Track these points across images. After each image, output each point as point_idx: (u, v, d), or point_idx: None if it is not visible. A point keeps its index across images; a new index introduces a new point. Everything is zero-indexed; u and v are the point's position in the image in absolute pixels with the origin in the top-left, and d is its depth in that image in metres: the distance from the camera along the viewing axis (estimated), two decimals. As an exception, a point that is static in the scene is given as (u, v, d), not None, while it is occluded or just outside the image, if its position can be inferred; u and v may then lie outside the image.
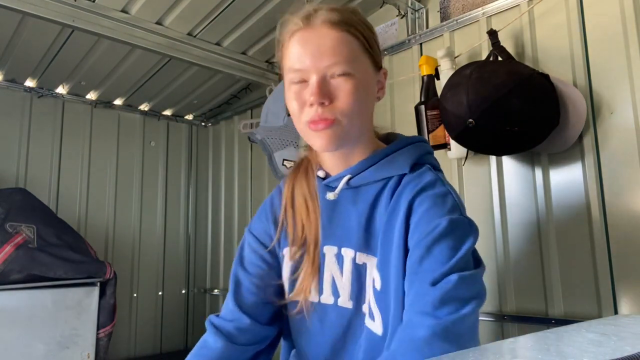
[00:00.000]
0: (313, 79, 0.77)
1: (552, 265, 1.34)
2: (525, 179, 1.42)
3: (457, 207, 0.77)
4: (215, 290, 2.60)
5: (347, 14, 0.81)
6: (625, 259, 1.21)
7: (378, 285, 0.79)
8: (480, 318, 1.49)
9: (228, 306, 0.98)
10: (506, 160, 1.47)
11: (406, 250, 0.77)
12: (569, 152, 1.33)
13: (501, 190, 1.47)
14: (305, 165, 0.94)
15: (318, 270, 0.88)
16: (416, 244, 0.75)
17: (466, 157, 1.47)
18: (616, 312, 1.21)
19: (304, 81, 0.79)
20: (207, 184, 2.77)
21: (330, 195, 0.85)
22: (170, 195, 2.72)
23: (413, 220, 0.77)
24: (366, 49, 0.82)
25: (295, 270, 0.91)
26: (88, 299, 1.83)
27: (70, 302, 1.78)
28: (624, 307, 1.20)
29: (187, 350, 0.96)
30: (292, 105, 0.81)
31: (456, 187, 1.57)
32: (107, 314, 1.88)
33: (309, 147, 0.92)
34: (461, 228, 0.75)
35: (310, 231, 0.89)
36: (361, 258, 0.84)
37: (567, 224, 1.33)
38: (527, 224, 1.41)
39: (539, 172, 1.39)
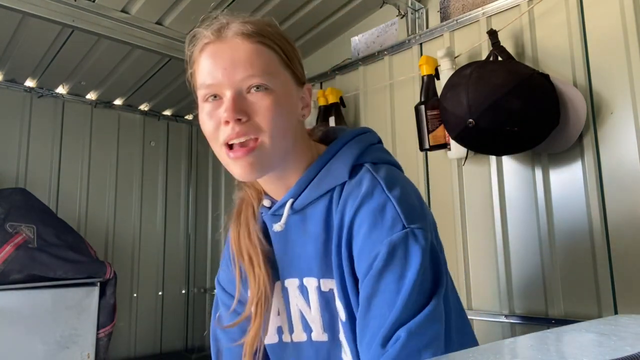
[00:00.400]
0: (227, 94, 0.70)
1: (552, 265, 1.34)
2: (525, 179, 1.42)
3: (398, 218, 0.69)
4: (215, 290, 2.60)
5: (262, 25, 0.74)
6: (625, 259, 1.21)
7: (343, 317, 0.74)
8: (480, 318, 1.50)
9: None
10: (506, 160, 1.47)
11: (356, 280, 0.72)
12: (569, 152, 1.33)
13: (501, 190, 1.47)
14: (244, 210, 0.85)
15: (278, 304, 0.84)
16: (362, 279, 0.70)
17: (466, 157, 1.47)
18: (616, 312, 1.21)
19: (217, 98, 0.72)
20: (207, 184, 2.77)
21: (277, 227, 0.79)
22: (170, 195, 2.72)
23: (355, 247, 0.71)
24: (285, 62, 0.75)
25: (248, 321, 0.84)
26: (88, 299, 1.83)
27: (70, 302, 1.78)
28: (624, 307, 1.20)
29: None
30: (207, 126, 0.73)
31: (456, 187, 1.57)
32: (107, 314, 1.88)
33: (243, 186, 0.86)
34: (402, 247, 0.67)
35: (255, 281, 0.82)
36: (326, 284, 0.77)
37: (567, 224, 1.33)
38: (527, 223, 1.41)
39: (539, 172, 1.39)
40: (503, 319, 1.42)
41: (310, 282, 0.79)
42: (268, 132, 0.71)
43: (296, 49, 0.79)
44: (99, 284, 1.86)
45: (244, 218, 0.84)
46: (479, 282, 1.50)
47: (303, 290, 0.80)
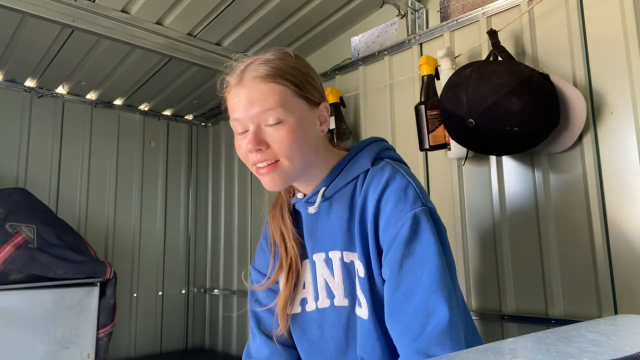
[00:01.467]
0: (250, 128, 0.86)
1: (552, 266, 1.34)
2: (525, 179, 1.42)
3: (418, 197, 0.85)
4: (215, 290, 2.60)
5: (276, 63, 0.88)
6: (625, 259, 1.21)
7: (362, 274, 0.87)
8: (480, 318, 1.50)
9: (255, 342, 1.06)
10: (506, 160, 1.47)
11: (379, 247, 0.86)
12: (569, 152, 1.33)
13: (501, 190, 1.47)
14: (279, 203, 1.03)
15: (304, 279, 0.99)
16: (389, 243, 0.83)
17: (466, 157, 1.46)
18: (616, 312, 1.21)
19: (245, 131, 0.87)
20: (207, 184, 2.77)
21: (311, 209, 0.95)
22: (170, 195, 2.72)
23: (382, 219, 0.85)
24: (298, 92, 0.88)
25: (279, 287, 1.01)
26: (88, 299, 1.82)
27: (70, 302, 1.78)
28: (624, 307, 1.20)
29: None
30: (240, 151, 0.90)
31: (456, 187, 1.58)
32: (107, 314, 1.88)
33: None
34: (425, 219, 0.82)
35: (287, 259, 0.99)
36: (348, 257, 0.91)
37: (567, 224, 1.33)
38: (528, 223, 1.41)
39: (539, 172, 1.39)
40: (503, 319, 1.42)
41: (335, 255, 0.93)
42: (285, 156, 0.86)
43: (310, 75, 0.92)
44: (99, 284, 1.86)
45: (279, 207, 1.02)
46: (479, 282, 1.50)
47: (328, 262, 0.94)
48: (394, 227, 0.83)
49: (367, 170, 0.91)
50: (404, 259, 0.80)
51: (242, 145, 0.88)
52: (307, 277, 0.99)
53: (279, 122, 0.85)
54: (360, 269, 0.88)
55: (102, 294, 1.87)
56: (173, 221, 2.71)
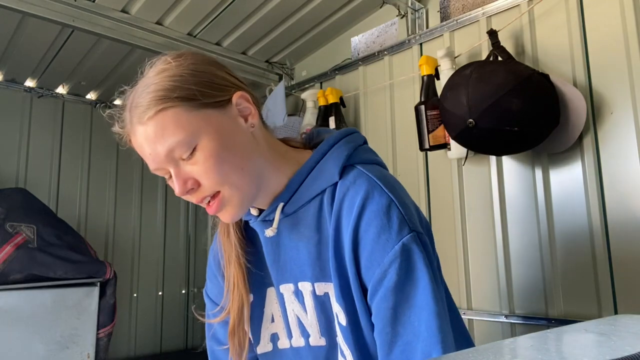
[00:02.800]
0: (172, 171, 0.71)
1: (552, 265, 1.34)
2: (525, 179, 1.42)
3: (404, 220, 0.69)
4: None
5: (155, 85, 0.70)
6: (625, 259, 1.21)
7: (343, 321, 0.73)
8: (480, 318, 1.50)
9: None
10: (506, 160, 1.47)
11: (362, 285, 0.71)
12: (569, 152, 1.33)
13: (501, 190, 1.47)
14: (224, 225, 0.84)
15: (272, 310, 0.83)
16: (375, 285, 0.69)
17: (466, 157, 1.46)
18: (616, 312, 1.21)
19: (169, 174, 0.72)
20: (207, 184, 2.77)
21: (269, 232, 0.77)
22: (170, 195, 2.71)
23: (364, 251, 0.70)
24: (194, 105, 0.69)
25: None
26: (88, 299, 1.82)
27: (70, 302, 1.78)
28: (624, 307, 1.20)
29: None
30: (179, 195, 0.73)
31: (456, 187, 1.57)
32: (107, 314, 1.88)
33: None
34: (416, 253, 0.68)
35: (232, 287, 0.82)
36: (321, 288, 0.76)
37: (567, 224, 1.33)
38: (527, 224, 1.40)
39: (539, 172, 1.39)
40: (503, 319, 1.42)
41: (305, 287, 0.78)
42: (221, 185, 0.70)
43: (203, 73, 0.72)
44: (99, 284, 1.86)
45: (226, 232, 0.84)
46: (479, 282, 1.50)
47: (298, 295, 0.79)
48: (379, 264, 0.67)
49: (336, 183, 0.74)
50: (398, 307, 0.66)
51: (175, 189, 0.72)
52: (275, 308, 0.83)
53: (193, 152, 0.68)
54: (340, 315, 0.73)
55: (102, 294, 1.87)
56: (173, 221, 2.71)
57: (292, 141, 0.85)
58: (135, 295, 2.48)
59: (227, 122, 0.71)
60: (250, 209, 0.80)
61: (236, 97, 0.73)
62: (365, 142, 0.83)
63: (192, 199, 0.72)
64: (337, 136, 0.79)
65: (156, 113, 0.68)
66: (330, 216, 0.74)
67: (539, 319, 1.34)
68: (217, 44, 2.00)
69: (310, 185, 0.76)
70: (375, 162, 0.80)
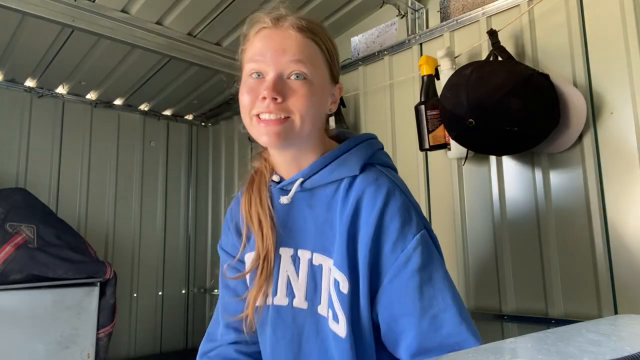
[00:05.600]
0: (270, 75, 0.80)
1: (552, 265, 1.34)
2: (525, 179, 1.42)
3: (419, 218, 0.82)
4: (215, 290, 2.60)
5: (315, 25, 0.85)
6: (625, 259, 1.21)
7: (345, 289, 0.80)
8: (480, 318, 1.49)
9: (219, 328, 1.03)
10: (506, 160, 1.47)
11: (376, 265, 0.80)
12: (569, 152, 1.33)
13: (501, 190, 1.47)
14: (257, 179, 0.94)
15: (270, 276, 0.90)
16: (398, 270, 0.78)
17: (466, 157, 1.46)
18: (616, 312, 1.21)
19: (261, 76, 0.81)
20: (207, 184, 2.77)
21: (284, 200, 0.88)
22: (170, 195, 2.72)
23: (387, 240, 0.79)
24: (327, 60, 0.85)
25: (253, 277, 0.92)
26: (88, 299, 1.82)
27: (70, 302, 1.78)
28: (624, 307, 1.20)
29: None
30: (244, 98, 0.83)
31: (456, 187, 1.58)
32: (107, 314, 1.88)
33: (260, 157, 0.96)
34: (429, 244, 0.80)
35: (263, 246, 0.90)
36: (317, 259, 0.85)
37: (567, 224, 1.33)
38: (527, 224, 1.41)
39: (539, 172, 1.39)
40: (503, 319, 1.42)
41: (304, 254, 0.87)
42: (298, 115, 0.80)
43: (337, 54, 0.90)
44: (99, 284, 1.86)
45: (257, 186, 0.93)
46: (479, 281, 1.50)
47: (295, 259, 0.88)
48: (402, 250, 0.78)
49: (355, 177, 0.84)
50: (423, 285, 0.76)
51: (254, 91, 0.81)
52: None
53: (304, 78, 0.80)
54: (343, 284, 0.81)
55: (102, 294, 1.87)
56: (173, 221, 2.71)
57: (329, 131, 0.96)
58: (135, 295, 2.48)
59: (328, 90, 0.87)
60: (274, 176, 0.92)
61: (339, 86, 0.91)
62: (382, 148, 0.95)
63: (264, 106, 0.79)
64: (361, 137, 0.92)
65: (309, 37, 0.82)
66: (345, 202, 0.83)
67: (539, 319, 1.34)
68: (217, 44, 2.00)
69: (332, 172, 0.86)
70: (390, 166, 0.91)
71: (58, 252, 1.80)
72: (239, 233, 0.96)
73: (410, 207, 0.82)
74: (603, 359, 0.38)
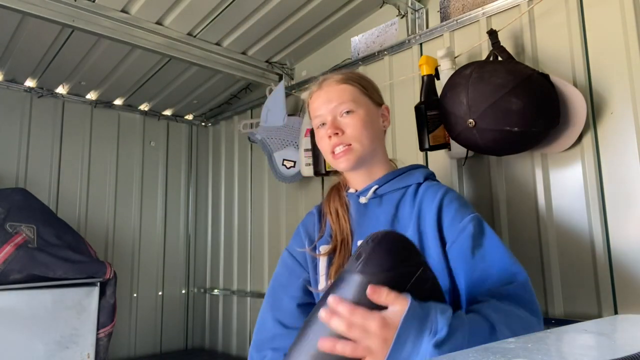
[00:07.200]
0: (328, 119, 1.08)
1: (552, 265, 1.34)
2: (525, 179, 1.42)
3: (471, 206, 1.04)
4: (215, 290, 2.60)
5: (348, 74, 1.13)
6: (625, 259, 1.21)
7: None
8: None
9: (268, 325, 1.14)
10: (506, 160, 1.47)
11: (442, 239, 0.99)
12: (569, 152, 1.33)
13: (501, 190, 1.47)
14: (337, 187, 1.20)
15: (347, 257, 1.06)
16: (456, 237, 0.97)
17: (466, 157, 1.46)
18: (616, 312, 1.21)
19: (324, 125, 1.09)
20: (207, 184, 2.77)
21: (363, 199, 1.11)
22: (170, 195, 2.72)
23: (447, 216, 1.00)
24: (364, 92, 1.11)
25: (329, 264, 1.09)
26: (88, 299, 1.83)
27: (70, 302, 1.78)
28: (624, 307, 1.20)
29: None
30: (322, 144, 1.11)
31: (456, 187, 1.58)
32: (107, 314, 1.88)
33: (339, 174, 1.21)
34: (482, 222, 1.00)
35: (341, 232, 1.11)
36: None
37: (567, 224, 1.33)
38: (527, 223, 1.40)
39: (539, 172, 1.39)
40: (503, 319, 1.42)
41: None
42: (357, 140, 1.07)
43: (373, 83, 1.17)
44: (99, 284, 1.86)
45: (336, 191, 1.18)
46: (479, 282, 1.50)
47: None
48: (460, 222, 0.97)
49: (419, 184, 1.08)
50: (475, 249, 0.93)
51: (323, 134, 1.08)
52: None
53: (351, 112, 1.07)
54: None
55: (102, 294, 1.87)
56: (173, 221, 2.72)
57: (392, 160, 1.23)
58: (135, 295, 2.49)
59: (374, 113, 1.13)
60: (351, 189, 1.15)
61: (384, 107, 1.17)
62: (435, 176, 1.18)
63: (332, 141, 1.07)
64: (418, 165, 1.19)
65: (343, 83, 1.11)
66: (413, 202, 1.06)
67: (539, 319, 1.34)
68: (217, 44, 2.00)
69: (400, 181, 1.11)
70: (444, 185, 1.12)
71: (58, 252, 1.80)
72: (309, 238, 1.17)
73: (466, 200, 1.05)
74: (603, 359, 0.38)
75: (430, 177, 1.13)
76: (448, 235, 0.99)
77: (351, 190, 1.15)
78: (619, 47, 1.26)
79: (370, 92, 1.13)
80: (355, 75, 1.14)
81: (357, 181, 1.14)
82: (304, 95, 1.09)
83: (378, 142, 1.12)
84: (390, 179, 1.11)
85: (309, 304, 1.11)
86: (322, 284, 1.09)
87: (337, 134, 1.06)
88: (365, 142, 1.07)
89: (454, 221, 0.98)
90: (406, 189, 1.09)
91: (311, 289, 1.12)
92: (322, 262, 1.11)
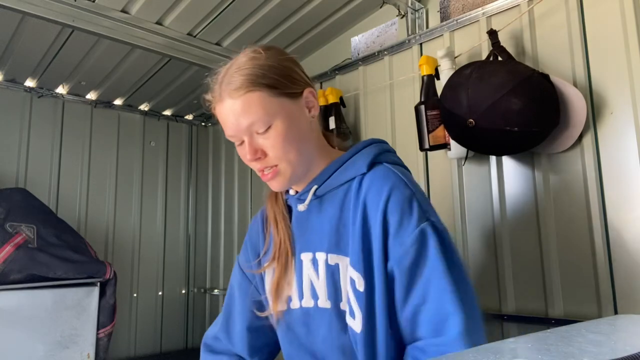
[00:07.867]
0: (245, 139, 0.88)
1: (552, 265, 1.34)
2: (525, 179, 1.42)
3: (422, 211, 0.85)
4: (215, 290, 2.60)
5: (248, 69, 0.87)
6: (625, 259, 1.21)
7: (360, 287, 0.85)
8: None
9: (218, 331, 1.14)
10: (506, 160, 1.47)
11: (387, 256, 0.85)
12: (569, 152, 1.33)
13: (501, 190, 1.47)
14: (274, 192, 1.02)
15: (291, 275, 0.97)
16: (397, 258, 0.84)
17: (466, 157, 1.47)
18: (616, 312, 1.21)
19: (242, 142, 0.89)
20: (207, 184, 2.77)
21: (301, 207, 0.95)
22: (170, 195, 2.72)
23: (390, 232, 0.84)
24: (275, 93, 0.87)
25: (272, 274, 0.99)
26: (88, 299, 1.82)
27: (70, 302, 1.78)
28: (624, 307, 1.20)
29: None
30: (244, 160, 0.91)
31: (456, 187, 1.58)
32: (107, 314, 1.88)
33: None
34: (431, 234, 0.83)
35: (279, 244, 0.98)
36: (333, 259, 0.91)
37: (567, 224, 1.33)
38: (528, 224, 1.40)
39: (539, 172, 1.39)
40: (503, 319, 1.42)
41: (321, 256, 0.92)
42: (282, 160, 0.88)
43: (286, 68, 0.90)
44: (99, 284, 1.86)
45: (273, 197, 1.03)
46: (479, 281, 1.50)
47: (315, 262, 0.93)
48: (401, 245, 0.83)
49: (363, 174, 0.90)
50: (412, 282, 0.82)
51: (244, 153, 0.90)
52: (291, 275, 0.97)
53: (267, 128, 0.86)
54: (358, 282, 0.85)
55: (102, 294, 1.87)
56: (173, 221, 2.71)
57: (338, 145, 1.02)
58: (135, 295, 2.48)
59: (296, 110, 0.90)
60: (290, 190, 0.99)
61: (307, 91, 0.92)
62: (393, 151, 0.99)
63: (257, 165, 0.89)
64: (368, 140, 0.97)
65: (245, 92, 0.85)
66: (356, 200, 0.89)
67: (539, 319, 1.34)
68: (217, 44, 2.00)
69: (341, 174, 0.93)
70: (399, 164, 0.96)
71: (58, 252, 1.80)
72: (254, 250, 1.07)
73: (413, 200, 0.85)
74: (603, 359, 0.38)
75: (379, 158, 0.93)
76: (391, 251, 0.84)
77: (291, 192, 0.99)
78: (619, 47, 1.26)
79: (282, 87, 0.88)
80: (259, 70, 0.87)
81: (298, 184, 0.99)
82: (206, 95, 0.94)
83: (308, 144, 0.92)
84: (331, 173, 0.93)
85: (260, 328, 1.05)
86: (270, 304, 0.99)
87: (258, 158, 0.88)
88: (293, 158, 0.88)
89: (397, 235, 0.84)
90: (350, 184, 0.92)
91: (259, 314, 1.02)
92: (267, 278, 1.01)
